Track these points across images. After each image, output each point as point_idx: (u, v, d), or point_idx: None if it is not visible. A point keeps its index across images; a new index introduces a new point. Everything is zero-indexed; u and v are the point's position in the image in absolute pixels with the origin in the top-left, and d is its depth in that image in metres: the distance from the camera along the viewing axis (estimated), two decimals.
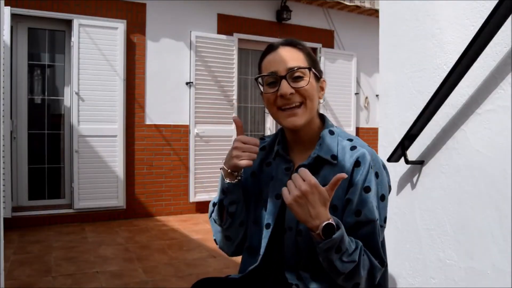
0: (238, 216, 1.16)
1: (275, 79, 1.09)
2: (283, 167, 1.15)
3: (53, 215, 4.66)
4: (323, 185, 0.99)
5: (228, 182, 1.11)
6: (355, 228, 1.03)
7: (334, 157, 1.08)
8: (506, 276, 1.43)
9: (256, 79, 1.14)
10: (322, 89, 1.15)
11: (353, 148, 1.08)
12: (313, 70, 1.10)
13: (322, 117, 1.19)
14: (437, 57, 1.72)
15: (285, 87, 1.06)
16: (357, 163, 1.05)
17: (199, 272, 3.24)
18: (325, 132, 1.13)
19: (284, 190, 0.96)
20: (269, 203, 1.14)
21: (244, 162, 1.06)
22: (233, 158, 1.07)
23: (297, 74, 1.07)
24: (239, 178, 1.12)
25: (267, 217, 1.14)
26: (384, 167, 1.12)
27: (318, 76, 1.13)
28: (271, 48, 1.13)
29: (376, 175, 1.06)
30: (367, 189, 1.04)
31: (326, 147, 1.10)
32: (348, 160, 1.07)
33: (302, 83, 1.07)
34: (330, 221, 0.94)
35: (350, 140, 1.12)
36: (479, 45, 1.42)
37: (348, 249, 0.96)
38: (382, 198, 1.07)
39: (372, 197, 1.03)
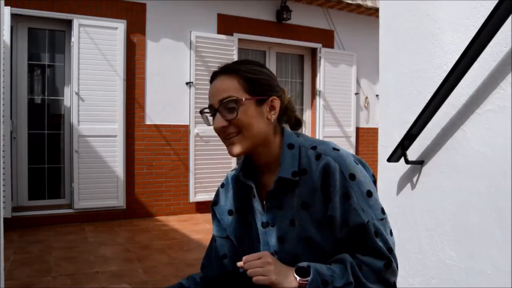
0: None
1: (213, 112, 1.07)
2: (251, 193, 1.13)
3: (53, 215, 4.66)
4: (303, 203, 1.02)
5: None
6: (350, 239, 1.00)
7: (295, 173, 1.04)
8: (506, 276, 1.43)
9: (201, 113, 1.11)
10: (272, 108, 1.07)
11: (318, 157, 1.03)
12: (247, 97, 1.04)
13: (283, 132, 1.13)
14: (437, 57, 1.72)
15: (217, 121, 1.04)
16: (325, 174, 1.01)
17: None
18: (284, 148, 1.07)
19: (259, 279, 0.97)
20: (260, 234, 1.12)
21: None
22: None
23: (230, 105, 1.03)
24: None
25: (265, 249, 1.11)
26: (359, 161, 1.08)
27: (262, 98, 1.06)
28: (212, 77, 1.12)
29: (351, 177, 1.00)
30: (346, 196, 0.99)
31: (286, 165, 1.05)
32: (315, 171, 1.02)
33: (233, 115, 1.03)
34: (293, 268, 0.99)
35: (314, 148, 1.06)
36: (479, 45, 1.42)
37: (334, 275, 0.96)
38: (369, 194, 1.02)
39: (355, 202, 0.99)
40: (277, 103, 1.07)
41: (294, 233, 1.05)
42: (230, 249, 1.20)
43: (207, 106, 1.09)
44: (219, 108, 1.04)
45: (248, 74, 1.07)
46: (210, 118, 1.10)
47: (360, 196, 1.00)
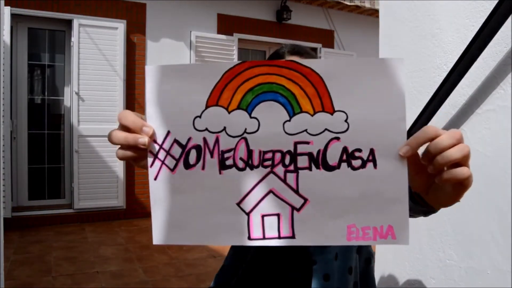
0: None
1: None
2: None
3: (53, 215, 4.66)
4: None
5: None
6: None
7: None
8: (506, 276, 1.43)
9: None
10: None
11: None
12: None
13: None
14: (437, 57, 1.72)
15: None
16: None
17: (199, 272, 3.23)
18: None
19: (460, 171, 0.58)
20: None
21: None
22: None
23: None
24: None
25: None
26: None
27: None
28: (277, 57, 1.09)
29: None
30: None
31: None
32: None
33: None
34: None
35: None
36: (479, 45, 1.42)
37: None
38: None
39: None
40: None
41: None
42: None
43: None
44: None
45: (316, 58, 1.11)
46: None
47: None
